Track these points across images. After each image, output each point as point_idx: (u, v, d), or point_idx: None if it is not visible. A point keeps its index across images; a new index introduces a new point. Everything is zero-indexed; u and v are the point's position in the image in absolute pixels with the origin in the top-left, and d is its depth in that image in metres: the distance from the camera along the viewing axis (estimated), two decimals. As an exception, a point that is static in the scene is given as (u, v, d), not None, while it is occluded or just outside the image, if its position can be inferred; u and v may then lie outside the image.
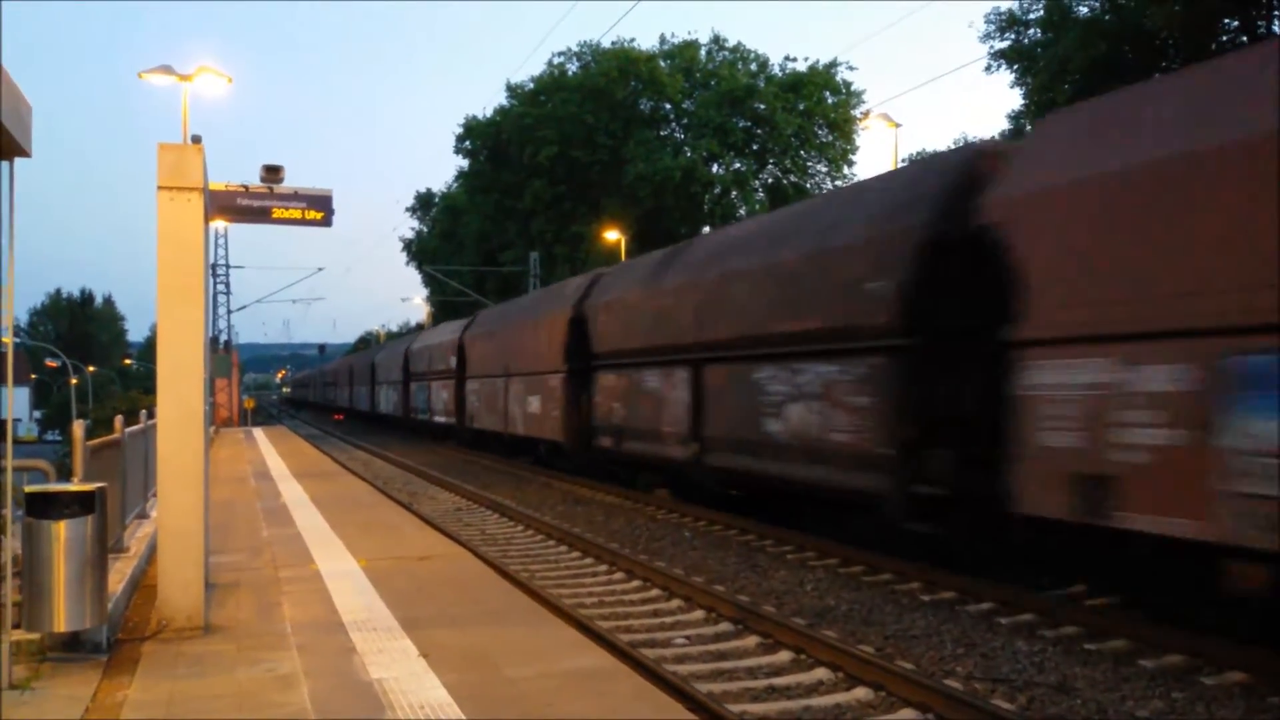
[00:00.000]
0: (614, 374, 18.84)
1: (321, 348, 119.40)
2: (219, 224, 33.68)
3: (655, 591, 10.57)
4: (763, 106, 50.27)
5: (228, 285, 51.54)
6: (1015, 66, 33.55)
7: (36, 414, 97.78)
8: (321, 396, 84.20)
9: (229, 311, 51.94)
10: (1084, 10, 30.83)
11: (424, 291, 70.32)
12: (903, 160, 35.92)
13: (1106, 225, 8.04)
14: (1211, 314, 7.14)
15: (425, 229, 72.72)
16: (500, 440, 26.62)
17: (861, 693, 7.10)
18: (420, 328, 65.91)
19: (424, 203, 73.08)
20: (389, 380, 45.55)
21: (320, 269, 77.47)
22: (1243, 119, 7.16)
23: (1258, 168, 6.87)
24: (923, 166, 13.81)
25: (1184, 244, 7.39)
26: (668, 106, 53.01)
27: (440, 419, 34.31)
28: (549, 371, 21.95)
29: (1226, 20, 27.95)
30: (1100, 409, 7.95)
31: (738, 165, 51.19)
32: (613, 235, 42.35)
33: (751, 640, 8.58)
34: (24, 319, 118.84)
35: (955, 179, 10.32)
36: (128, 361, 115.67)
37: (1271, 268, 6.71)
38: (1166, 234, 7.53)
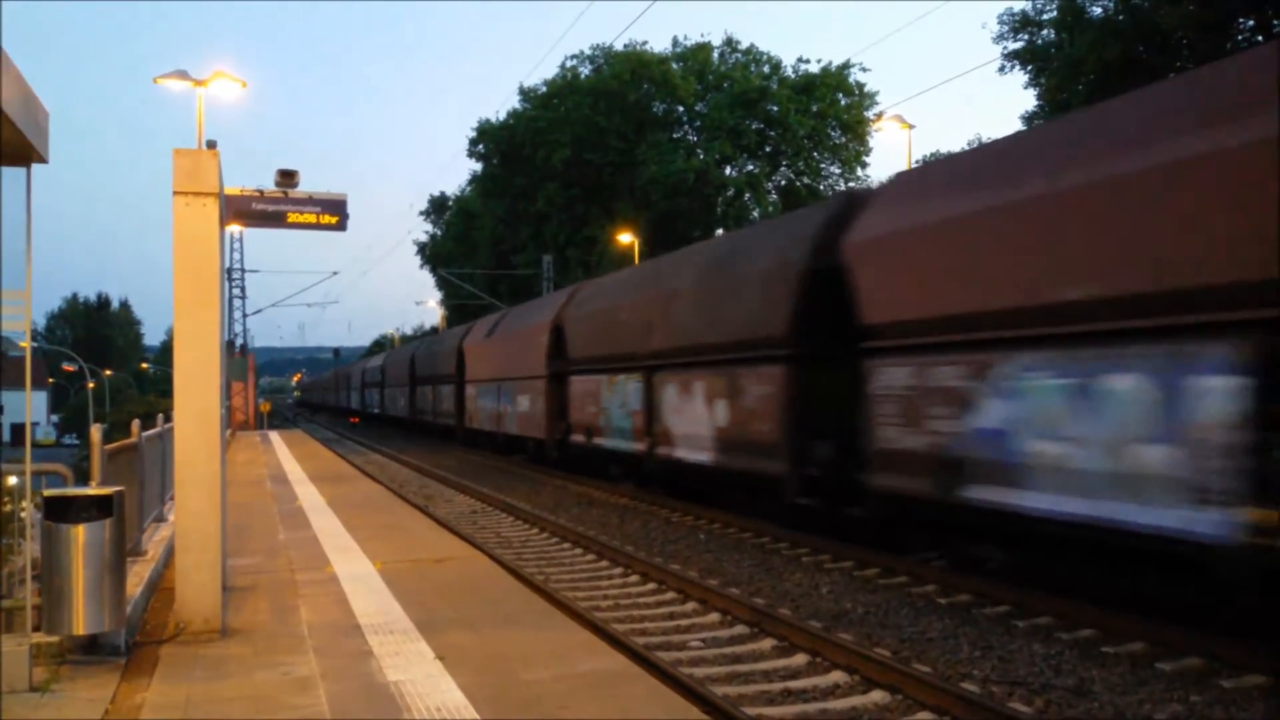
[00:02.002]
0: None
1: (336, 351, 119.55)
2: (234, 228, 33.84)
3: (670, 594, 10.56)
4: (775, 108, 50.22)
5: (243, 289, 51.79)
6: (1029, 67, 33.44)
7: (54, 418, 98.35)
8: (333, 400, 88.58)
9: (244, 315, 52.17)
10: (1097, 10, 30.72)
11: (438, 294, 70.54)
12: (916, 161, 35.79)
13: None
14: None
15: (439, 232, 72.96)
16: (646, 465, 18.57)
17: (878, 695, 7.08)
18: (435, 330, 66.14)
19: (438, 206, 73.33)
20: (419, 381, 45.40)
21: (335, 273, 77.74)
22: None
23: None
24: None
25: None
26: (680, 109, 53.03)
27: (516, 431, 27.09)
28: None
29: (1242, 20, 27.80)
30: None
31: (751, 167, 51.17)
32: (626, 238, 42.38)
33: (767, 643, 8.56)
34: (41, 323, 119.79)
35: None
36: (144, 365, 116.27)
37: None
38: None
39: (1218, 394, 7.31)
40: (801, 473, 12.89)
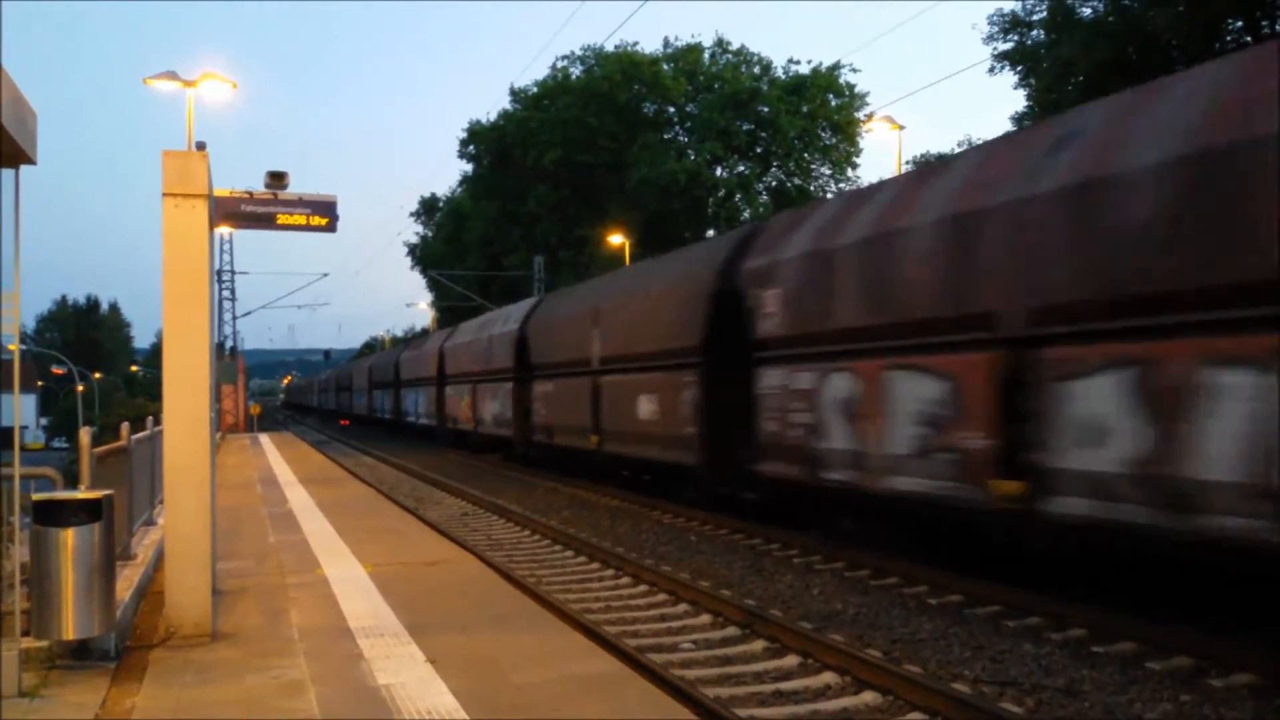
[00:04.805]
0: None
1: (327, 353, 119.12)
2: (223, 230, 33.72)
3: (662, 596, 10.56)
4: (766, 109, 50.20)
5: (233, 291, 51.69)
6: (1019, 68, 33.49)
7: (43, 421, 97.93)
8: (320, 402, 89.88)
9: (234, 317, 52.13)
10: (1087, 11, 30.79)
11: (429, 296, 70.41)
12: (906, 163, 35.85)
13: None
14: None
15: (430, 234, 72.78)
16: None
17: (869, 697, 7.09)
18: (426, 332, 66.06)
19: (428, 207, 73.14)
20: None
21: (325, 274, 76.41)
22: None
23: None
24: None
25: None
26: (671, 110, 53.02)
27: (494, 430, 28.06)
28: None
29: (1230, 21, 27.92)
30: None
31: (742, 169, 51.18)
32: (617, 239, 42.37)
33: (758, 644, 8.57)
34: (30, 326, 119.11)
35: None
36: (134, 368, 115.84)
37: None
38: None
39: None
40: (712, 462, 14.92)
